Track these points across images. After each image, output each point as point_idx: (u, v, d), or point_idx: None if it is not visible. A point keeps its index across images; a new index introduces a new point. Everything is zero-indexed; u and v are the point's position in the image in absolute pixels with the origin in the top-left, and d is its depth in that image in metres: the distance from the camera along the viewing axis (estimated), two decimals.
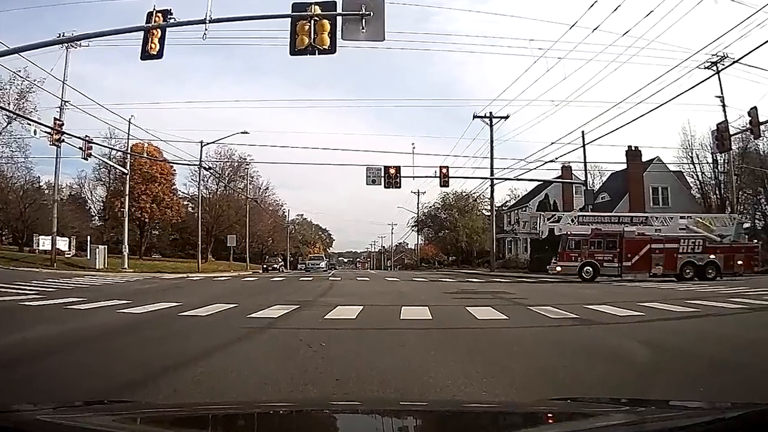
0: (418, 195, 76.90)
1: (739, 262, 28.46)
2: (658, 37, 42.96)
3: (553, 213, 35.68)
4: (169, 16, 16.34)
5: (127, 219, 41.58)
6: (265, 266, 57.55)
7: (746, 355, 7.08)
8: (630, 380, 5.52)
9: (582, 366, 6.20)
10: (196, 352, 6.86)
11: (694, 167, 43.17)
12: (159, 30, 16.22)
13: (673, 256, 28.80)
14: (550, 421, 2.65)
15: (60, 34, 25.28)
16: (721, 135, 29.69)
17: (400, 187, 37.75)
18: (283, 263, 63.65)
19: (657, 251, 29.00)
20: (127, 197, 41.43)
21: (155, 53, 16.25)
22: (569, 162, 49.25)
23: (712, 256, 28.58)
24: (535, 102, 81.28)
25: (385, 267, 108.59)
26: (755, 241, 30.81)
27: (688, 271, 28.43)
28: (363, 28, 15.14)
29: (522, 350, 7.21)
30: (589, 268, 29.35)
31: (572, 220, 31.68)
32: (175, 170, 63.39)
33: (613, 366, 6.22)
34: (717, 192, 41.58)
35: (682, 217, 31.36)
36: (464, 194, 66.84)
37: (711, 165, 41.91)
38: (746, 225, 31.62)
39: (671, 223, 30.62)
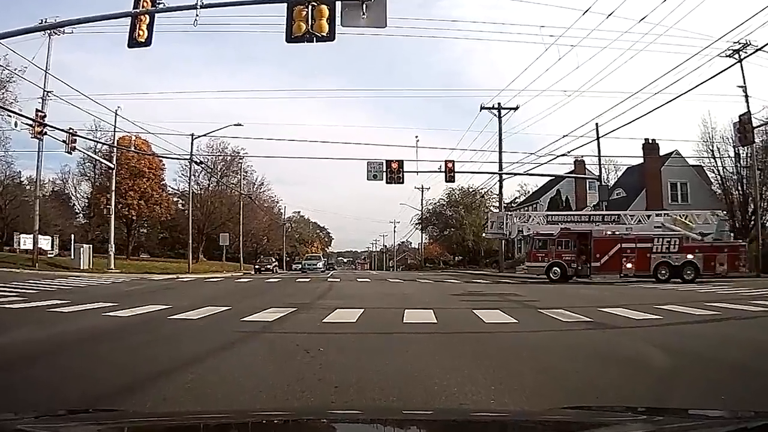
0: (422, 191, 77.02)
1: (721, 263, 28.27)
2: (676, 23, 42.90)
3: (524, 213, 36.75)
4: (158, 1, 16.33)
5: (113, 216, 41.65)
6: (257, 266, 57.05)
7: None
8: (647, 387, 5.51)
9: (596, 372, 6.20)
10: (186, 358, 6.87)
11: (715, 161, 42.88)
12: (147, 16, 16.20)
13: (645, 256, 29.01)
14: (562, 430, 2.65)
15: (42, 21, 25.27)
16: (744, 127, 29.63)
17: (403, 182, 37.85)
18: (277, 263, 63.33)
19: (628, 251, 29.32)
20: (113, 193, 41.50)
21: (143, 41, 16.24)
22: (582, 156, 49.20)
23: (690, 256, 28.57)
24: (546, 92, 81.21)
25: (387, 267, 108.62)
26: (740, 240, 30.83)
27: (663, 271, 28.57)
28: (364, 14, 15.11)
29: (532, 355, 7.21)
30: (556, 268, 30.30)
31: (542, 220, 33.06)
32: (164, 165, 63.42)
33: (629, 372, 6.22)
34: (739, 188, 41.35)
35: (658, 215, 31.87)
36: (471, 190, 66.89)
37: (733, 159, 41.64)
38: None
39: (647, 222, 31.06)
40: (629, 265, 29.19)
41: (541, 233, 31.78)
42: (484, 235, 43.49)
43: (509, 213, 35.97)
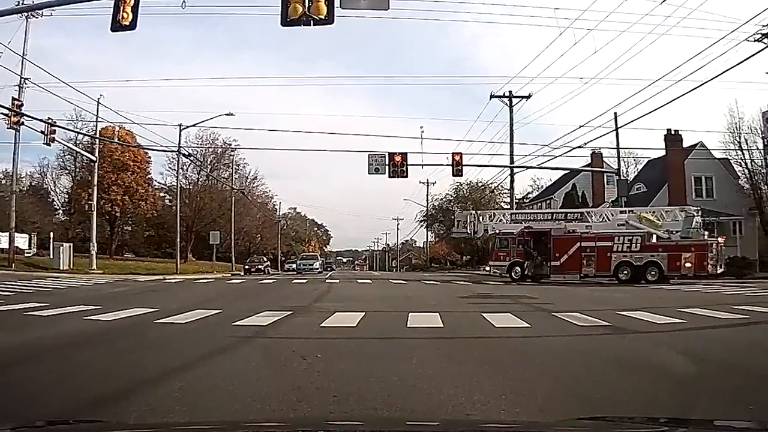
0: (428, 185, 76.94)
1: (687, 263, 28.42)
2: (701, 5, 42.61)
3: (494, 211, 39.86)
4: None
5: (95, 213, 41.71)
6: (247, 267, 55.26)
7: None
8: (669, 396, 5.51)
9: (614, 379, 6.20)
10: (174, 365, 6.88)
11: (743, 153, 42.73)
12: None
13: (606, 256, 29.76)
14: None
15: (19, 2, 25.30)
16: None
17: (406, 176, 37.76)
18: (269, 263, 62.01)
19: (588, 250, 30.30)
20: (95, 188, 41.54)
21: (128, 24, 16.22)
22: (600, 148, 49.13)
23: (653, 255, 29.09)
24: (560, 79, 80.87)
25: (390, 267, 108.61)
26: (718, 238, 30.94)
27: (625, 272, 29.32)
28: None
29: (546, 362, 7.21)
30: (517, 268, 32.61)
31: (506, 218, 35.46)
32: (150, 157, 63.63)
33: (650, 379, 6.22)
34: None
35: (622, 212, 32.82)
36: (480, 185, 66.70)
37: (761, 151, 41.53)
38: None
39: (611, 219, 32.07)
40: (590, 265, 30.19)
41: (502, 232, 34.04)
42: (453, 235, 45.61)
43: (473, 212, 38.54)
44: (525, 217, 35.77)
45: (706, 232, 30.98)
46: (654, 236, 29.93)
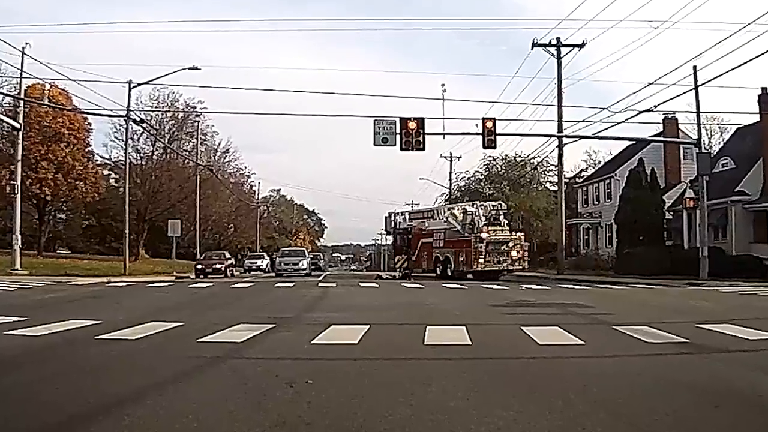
0: (451, 161, 77.16)
1: (461, 259, 38.13)
2: None
3: (402, 210, 53.72)
4: None
5: (19, 196, 41.83)
6: (200, 266, 50.20)
7: None
8: None
9: (694, 413, 6.19)
10: (121, 394, 6.88)
11: None
12: None
13: (430, 252, 41.94)
14: None
15: None
16: None
17: (423, 149, 37.57)
18: (232, 261, 57.05)
19: (424, 246, 42.65)
20: (19, 164, 41.69)
21: None
22: (675, 112, 49.00)
23: (447, 252, 39.83)
24: (623, 23, 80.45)
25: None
26: (517, 234, 39.91)
27: (440, 267, 40.45)
28: None
29: (604, 390, 7.19)
30: (404, 263, 44.89)
31: (407, 216, 49.03)
32: (90, 125, 63.78)
33: (741, 413, 6.21)
34: None
35: (450, 208, 43.62)
36: (519, 159, 66.61)
37: None
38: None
39: (443, 216, 42.28)
40: (424, 261, 42.52)
41: (398, 230, 47.20)
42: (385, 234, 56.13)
43: (399, 212, 51.86)
44: (415, 216, 48.30)
45: (499, 228, 39.03)
46: (449, 233, 39.97)
